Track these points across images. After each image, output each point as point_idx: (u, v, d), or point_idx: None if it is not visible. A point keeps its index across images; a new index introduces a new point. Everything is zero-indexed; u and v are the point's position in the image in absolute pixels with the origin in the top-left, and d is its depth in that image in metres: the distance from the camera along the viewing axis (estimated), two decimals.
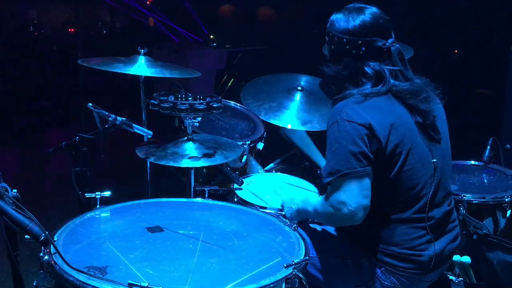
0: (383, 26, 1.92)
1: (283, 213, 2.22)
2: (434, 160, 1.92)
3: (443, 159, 1.98)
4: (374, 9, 1.93)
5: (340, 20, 1.93)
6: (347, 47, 1.90)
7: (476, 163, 3.11)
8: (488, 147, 3.08)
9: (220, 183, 3.04)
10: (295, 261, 1.65)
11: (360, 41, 1.89)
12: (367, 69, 1.89)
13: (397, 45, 1.92)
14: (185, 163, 2.33)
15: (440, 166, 1.94)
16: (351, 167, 1.79)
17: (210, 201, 2.27)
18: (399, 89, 1.88)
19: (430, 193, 1.90)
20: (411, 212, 1.89)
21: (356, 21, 1.89)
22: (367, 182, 1.81)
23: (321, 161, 2.88)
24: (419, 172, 1.88)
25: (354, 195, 1.79)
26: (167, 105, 2.37)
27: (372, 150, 1.81)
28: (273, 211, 2.33)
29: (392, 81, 1.89)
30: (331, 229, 2.18)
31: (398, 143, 1.84)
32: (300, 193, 2.57)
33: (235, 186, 2.61)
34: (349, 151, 1.79)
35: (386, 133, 1.82)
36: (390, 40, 1.92)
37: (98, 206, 2.08)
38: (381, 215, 1.90)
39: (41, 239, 1.49)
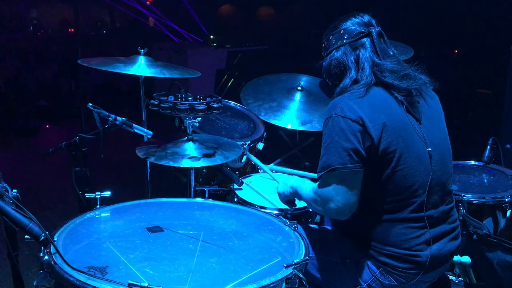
0: (366, 20, 2.05)
1: (279, 191, 2.27)
2: (429, 149, 1.93)
3: (443, 158, 1.98)
4: (358, 15, 2.08)
5: (328, 29, 2.11)
6: (333, 41, 2.05)
7: (476, 163, 3.11)
8: (488, 147, 3.08)
9: (220, 183, 3.04)
10: (295, 261, 1.65)
11: (342, 31, 2.03)
12: (349, 54, 2.00)
13: (378, 28, 2.03)
14: (185, 163, 2.33)
15: (437, 159, 1.94)
16: (341, 162, 1.82)
17: (210, 201, 2.27)
18: (382, 68, 1.95)
19: (427, 191, 1.90)
20: (408, 211, 1.89)
21: (341, 23, 2.06)
22: (356, 179, 1.84)
23: None
24: (415, 170, 1.88)
25: (342, 191, 1.83)
26: (167, 105, 2.37)
27: (364, 147, 1.83)
28: (273, 211, 2.33)
29: (372, 56, 1.97)
30: (331, 229, 2.18)
31: (391, 141, 1.85)
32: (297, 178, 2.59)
33: (235, 186, 2.62)
34: (341, 146, 1.82)
35: (378, 132, 1.84)
36: (371, 27, 2.02)
37: (98, 206, 2.09)
38: (378, 214, 1.91)
39: (41, 239, 1.48)
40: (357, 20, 2.03)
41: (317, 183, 1.95)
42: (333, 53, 2.04)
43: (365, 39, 2.00)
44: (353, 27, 2.02)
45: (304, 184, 2.12)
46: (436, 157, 1.94)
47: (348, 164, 1.81)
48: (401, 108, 1.92)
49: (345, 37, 2.01)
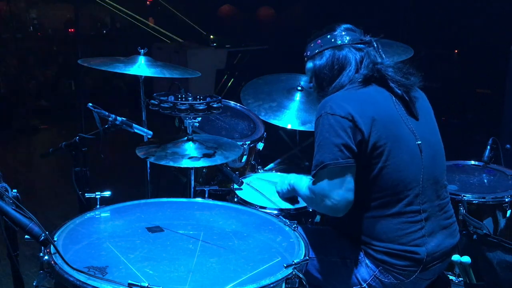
0: (358, 30, 2.09)
1: (278, 190, 2.26)
2: (419, 142, 1.94)
3: (434, 152, 1.99)
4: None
5: (322, 31, 2.11)
6: (332, 39, 2.04)
7: (476, 163, 3.11)
8: (488, 147, 3.08)
9: (220, 183, 3.04)
10: (295, 261, 1.65)
11: (343, 32, 2.05)
12: (353, 53, 2.01)
13: (375, 38, 2.07)
14: (185, 163, 2.34)
15: (427, 153, 1.95)
16: (333, 158, 1.84)
17: (210, 201, 2.27)
18: (384, 66, 1.97)
19: (420, 185, 1.91)
20: (402, 206, 1.90)
21: (336, 26, 2.08)
22: (349, 175, 1.86)
23: None
24: (406, 163, 1.89)
25: (336, 188, 1.85)
26: (167, 105, 2.37)
27: (355, 142, 1.85)
28: (273, 211, 2.33)
29: (375, 55, 2.00)
30: (330, 229, 2.18)
31: (381, 134, 1.87)
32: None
33: (235, 186, 2.62)
34: (332, 143, 1.84)
35: (368, 126, 1.86)
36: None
37: (98, 206, 2.09)
38: (372, 210, 1.92)
39: (41, 239, 1.48)
40: (348, 27, 2.08)
41: (312, 181, 1.96)
42: (333, 51, 2.03)
43: (365, 45, 2.03)
44: (352, 32, 2.05)
45: (302, 181, 2.13)
46: (427, 150, 1.95)
47: (339, 159, 1.83)
48: (389, 102, 1.95)
49: (348, 37, 2.03)
